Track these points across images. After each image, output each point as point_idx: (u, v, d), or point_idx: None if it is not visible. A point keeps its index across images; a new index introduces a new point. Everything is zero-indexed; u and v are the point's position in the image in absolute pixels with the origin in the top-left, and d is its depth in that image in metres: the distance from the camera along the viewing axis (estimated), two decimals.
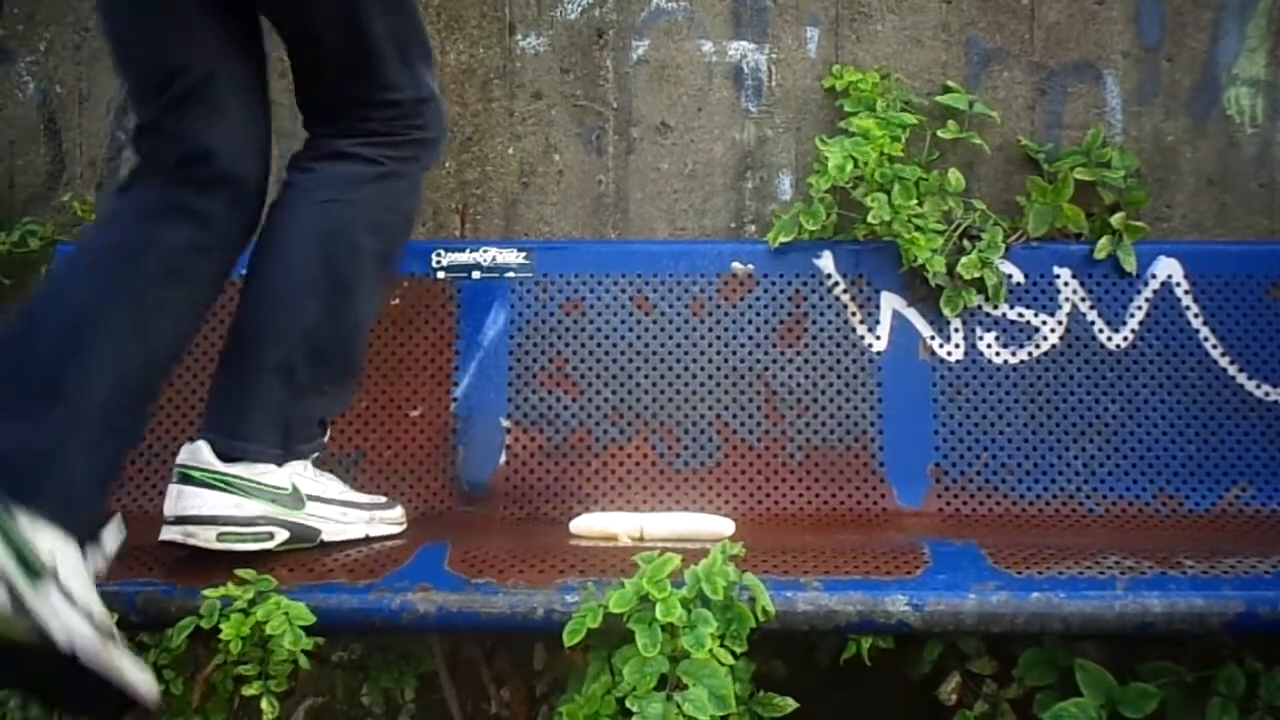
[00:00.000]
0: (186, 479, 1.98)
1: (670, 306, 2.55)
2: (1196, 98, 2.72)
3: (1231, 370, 2.49)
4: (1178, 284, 2.53)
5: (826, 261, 2.57)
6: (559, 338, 2.55)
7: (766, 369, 2.53)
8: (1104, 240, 2.54)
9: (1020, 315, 2.53)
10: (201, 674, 1.94)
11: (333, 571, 1.98)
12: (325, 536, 2.09)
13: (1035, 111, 2.73)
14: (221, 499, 1.98)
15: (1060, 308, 2.53)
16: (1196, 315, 2.52)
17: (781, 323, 2.54)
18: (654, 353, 2.53)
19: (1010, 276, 2.54)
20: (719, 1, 2.73)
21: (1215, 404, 2.49)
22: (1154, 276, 2.54)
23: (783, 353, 2.53)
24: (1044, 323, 2.53)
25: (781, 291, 2.56)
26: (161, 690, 1.95)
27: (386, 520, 2.21)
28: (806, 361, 2.53)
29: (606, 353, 2.54)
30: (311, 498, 2.07)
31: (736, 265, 2.56)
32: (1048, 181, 2.61)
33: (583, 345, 2.55)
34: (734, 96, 2.75)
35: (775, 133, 2.75)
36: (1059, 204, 2.59)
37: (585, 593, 1.88)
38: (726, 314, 2.55)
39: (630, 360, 2.53)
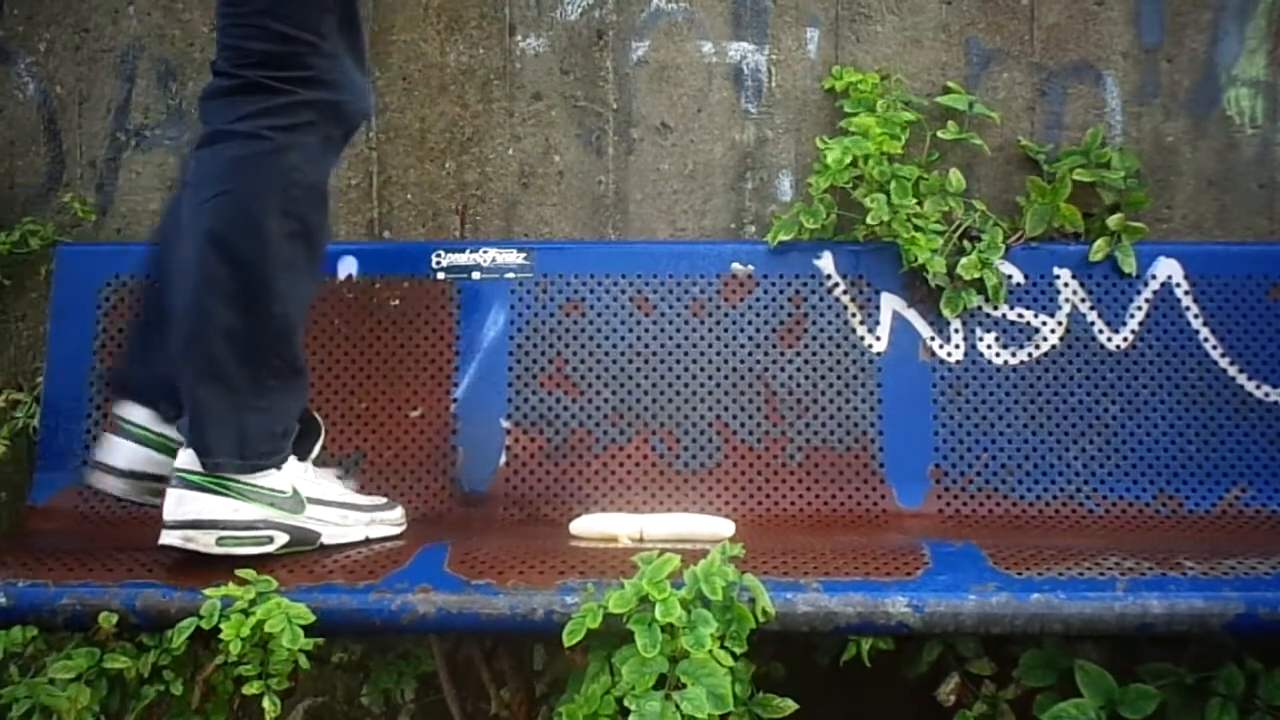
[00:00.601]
0: (185, 483, 1.98)
1: (670, 307, 2.55)
2: (1196, 98, 2.72)
3: (1231, 371, 2.50)
4: (1177, 284, 2.53)
5: (826, 262, 2.57)
6: (559, 338, 2.55)
7: (766, 370, 2.53)
8: (1103, 241, 2.54)
9: (1020, 316, 2.53)
10: (202, 675, 1.94)
11: (333, 573, 1.98)
12: (325, 539, 2.09)
13: (1035, 112, 2.73)
14: (220, 503, 1.98)
15: (1060, 308, 2.53)
16: (1196, 316, 2.52)
17: (781, 323, 2.54)
18: (654, 354, 2.53)
19: (1010, 277, 2.54)
20: (719, 2, 2.73)
21: (1215, 405, 2.49)
22: (1154, 277, 2.54)
23: (783, 353, 2.53)
24: (1044, 323, 2.53)
25: (781, 292, 2.56)
26: (161, 691, 1.95)
27: (386, 521, 2.21)
28: (806, 362, 2.53)
29: (606, 353, 2.54)
30: (312, 500, 2.07)
31: (736, 266, 2.56)
32: (1047, 182, 2.61)
33: (583, 346, 2.55)
34: (734, 97, 2.75)
35: (775, 133, 2.75)
36: (1056, 204, 2.59)
37: (585, 593, 1.88)
38: (726, 315, 2.55)
39: (630, 361, 2.53)
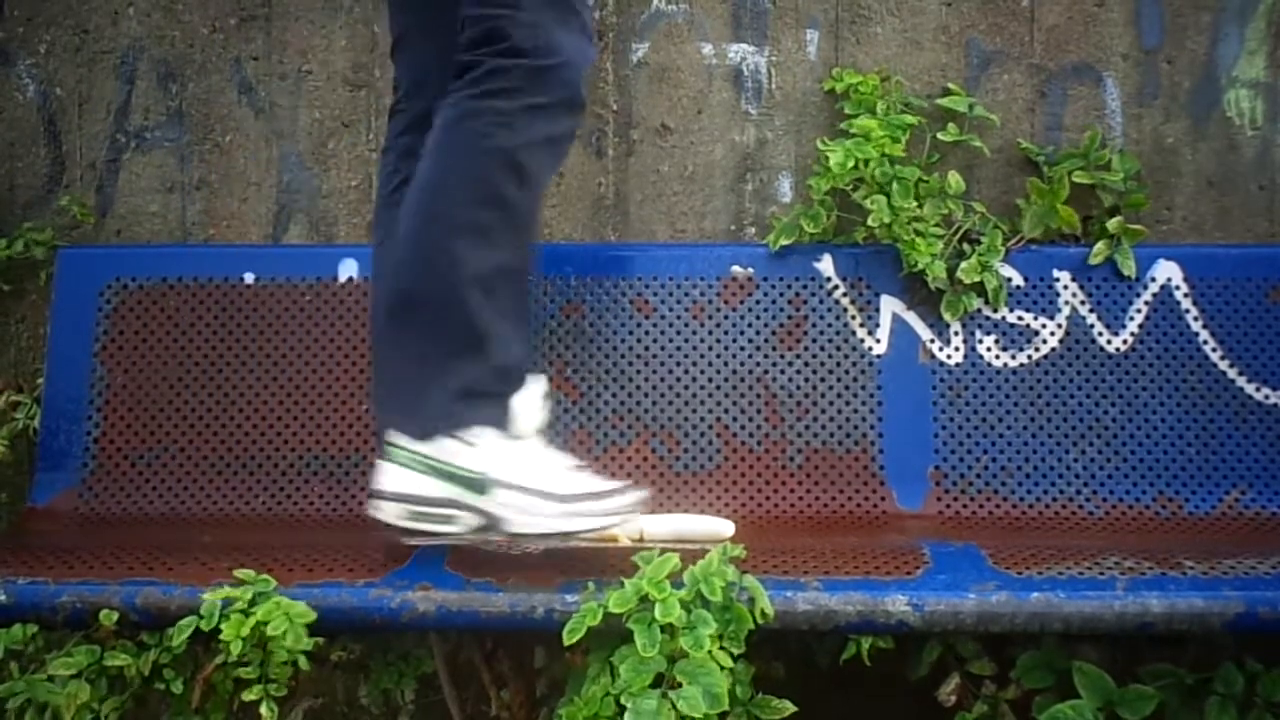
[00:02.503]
0: (389, 456, 2.00)
1: (670, 309, 2.55)
2: (1196, 100, 2.72)
3: (1231, 373, 2.50)
4: (1177, 287, 2.53)
5: (826, 265, 2.57)
6: (559, 340, 2.55)
7: (766, 372, 2.53)
8: (1103, 243, 2.54)
9: (1020, 318, 2.53)
10: (201, 674, 1.94)
11: (332, 571, 1.98)
12: (513, 527, 1.99)
13: (1035, 114, 2.73)
14: (412, 478, 1.98)
15: (1060, 311, 2.53)
16: (1196, 318, 2.52)
17: (781, 326, 2.55)
18: (654, 355, 2.53)
19: (1010, 279, 2.55)
20: (719, 4, 2.74)
21: (1215, 407, 2.49)
22: (1153, 279, 2.54)
23: (783, 356, 2.54)
24: (1044, 326, 2.53)
25: (781, 295, 2.56)
26: (161, 690, 1.95)
27: (599, 511, 2.02)
28: (806, 364, 2.53)
29: (606, 355, 2.54)
30: (502, 484, 1.98)
31: (736, 268, 2.57)
32: (1046, 184, 2.61)
33: (582, 348, 2.55)
34: (734, 99, 2.75)
35: (775, 135, 2.75)
36: (1054, 205, 2.59)
37: (585, 593, 1.88)
38: (726, 317, 2.55)
39: (630, 363, 2.53)
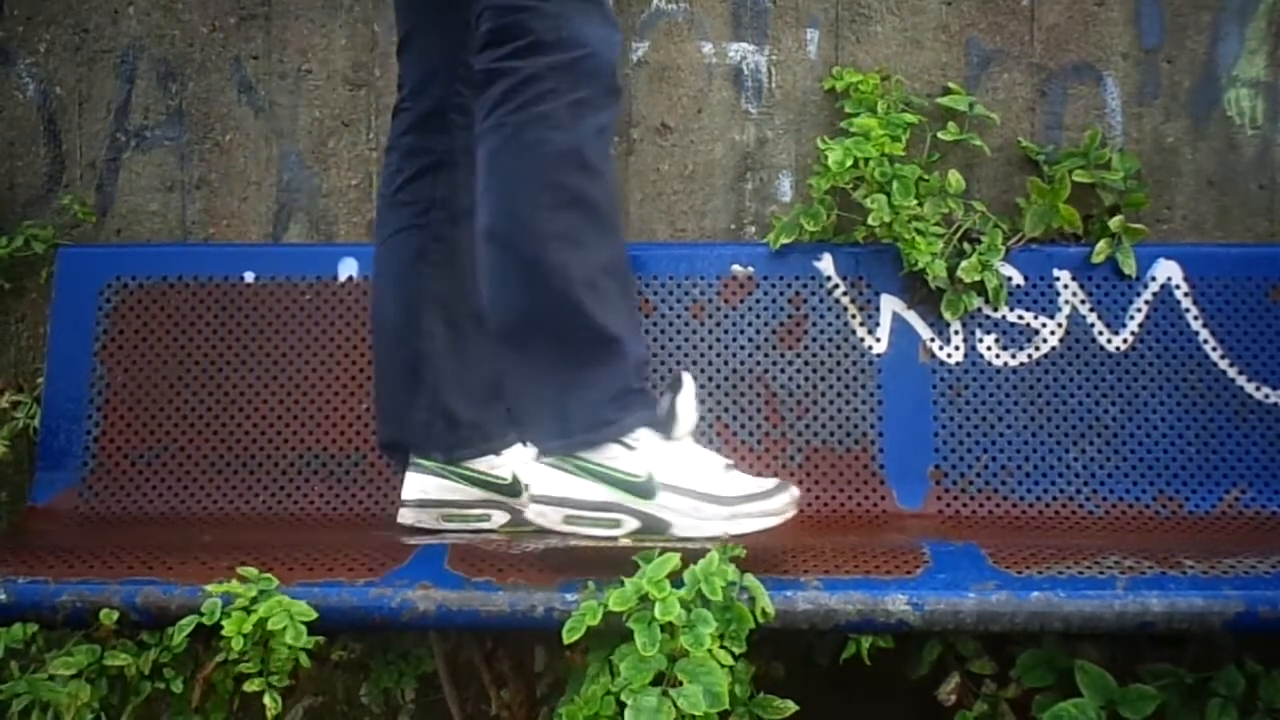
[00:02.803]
0: (542, 462, 2.01)
1: (670, 309, 2.55)
2: (1196, 99, 2.72)
3: (1231, 373, 2.50)
4: (1177, 286, 2.53)
5: (826, 264, 2.57)
6: None
7: (766, 371, 2.53)
8: (1103, 243, 2.54)
9: (1020, 317, 2.53)
10: (202, 673, 1.94)
11: (332, 570, 1.98)
12: (676, 530, 1.99)
13: (1035, 113, 2.73)
14: (570, 482, 1.98)
15: (1060, 310, 2.53)
16: (1196, 317, 2.52)
17: (781, 325, 2.55)
18: (654, 355, 2.53)
19: (1010, 279, 2.55)
20: (719, 3, 2.73)
21: (1215, 406, 2.49)
22: (1154, 279, 2.54)
23: (783, 355, 2.54)
24: (1044, 325, 2.53)
25: (781, 294, 2.56)
26: (161, 689, 1.95)
27: (759, 512, 2.02)
28: (806, 364, 2.53)
29: None
30: (666, 486, 1.98)
31: (736, 267, 2.57)
32: (1046, 183, 2.61)
33: None
34: (734, 98, 2.75)
35: (775, 134, 2.75)
36: (1055, 204, 2.59)
37: (585, 591, 1.88)
38: (726, 316, 2.55)
39: None
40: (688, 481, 1.98)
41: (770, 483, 2.04)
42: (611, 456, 1.97)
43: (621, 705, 1.78)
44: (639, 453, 1.98)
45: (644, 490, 1.97)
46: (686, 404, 2.02)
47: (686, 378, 2.04)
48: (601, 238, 1.99)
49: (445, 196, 2.23)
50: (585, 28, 1.98)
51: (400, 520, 2.26)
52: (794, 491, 2.04)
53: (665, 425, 2.01)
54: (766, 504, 2.00)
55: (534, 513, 2.00)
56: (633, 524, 1.98)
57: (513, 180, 1.97)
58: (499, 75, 1.98)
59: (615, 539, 1.98)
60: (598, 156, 2.00)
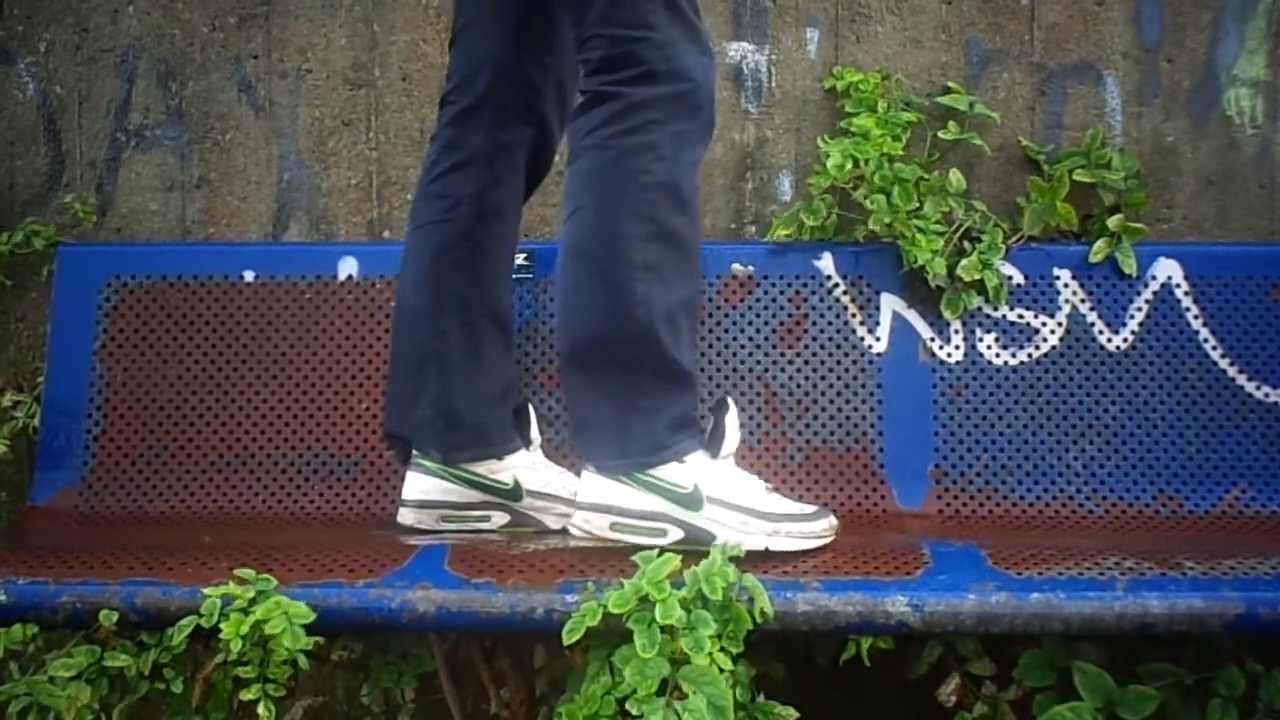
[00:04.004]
0: (591, 470, 2.06)
1: None
2: (1196, 98, 2.72)
3: (1231, 372, 2.49)
4: (1177, 285, 2.53)
5: (826, 263, 2.57)
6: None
7: (766, 370, 2.53)
8: (1103, 242, 2.54)
9: (1020, 317, 2.53)
10: (202, 673, 1.94)
11: (332, 571, 1.98)
12: (720, 543, 2.02)
13: (1035, 112, 2.73)
14: (619, 490, 2.02)
15: (1060, 309, 2.53)
16: (1196, 317, 2.52)
17: (781, 324, 2.54)
18: None
19: (1010, 278, 2.54)
20: (719, 2, 2.73)
21: (1215, 406, 2.49)
22: (1154, 278, 2.53)
23: (783, 354, 2.54)
24: (1044, 324, 2.53)
25: (781, 293, 2.56)
26: (161, 690, 1.95)
27: (799, 534, 2.07)
28: (806, 363, 2.53)
29: None
30: (713, 500, 2.03)
31: (736, 266, 2.56)
32: (1047, 182, 2.61)
33: None
34: (734, 97, 2.75)
35: (775, 133, 2.75)
36: (1053, 203, 2.59)
37: (585, 592, 1.88)
38: (726, 315, 2.55)
39: None
40: (734, 497, 2.04)
41: (810, 508, 2.10)
42: (663, 468, 2.02)
43: (622, 706, 1.78)
44: (688, 466, 2.03)
45: (691, 502, 2.02)
46: (731, 425, 2.08)
47: (729, 400, 2.10)
48: (684, 273, 2.05)
49: (475, 194, 2.25)
50: (690, 58, 2.04)
51: (400, 520, 2.26)
52: (833, 520, 2.09)
53: (712, 445, 2.07)
54: (807, 526, 2.06)
55: (580, 519, 2.05)
56: (677, 534, 2.02)
57: (609, 205, 2.02)
58: (607, 99, 2.03)
59: (657, 547, 1.99)
60: (690, 191, 2.06)
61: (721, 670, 1.78)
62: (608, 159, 2.02)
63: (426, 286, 2.26)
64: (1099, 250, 2.54)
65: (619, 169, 2.02)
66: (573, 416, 2.11)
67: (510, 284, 2.35)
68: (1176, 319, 2.52)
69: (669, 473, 2.02)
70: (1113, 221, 2.55)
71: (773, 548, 2.02)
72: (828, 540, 2.07)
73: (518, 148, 2.28)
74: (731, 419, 2.08)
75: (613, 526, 2.04)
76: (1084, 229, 2.62)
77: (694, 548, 1.99)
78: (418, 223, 2.28)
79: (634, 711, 1.76)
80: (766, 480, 2.13)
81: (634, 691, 1.76)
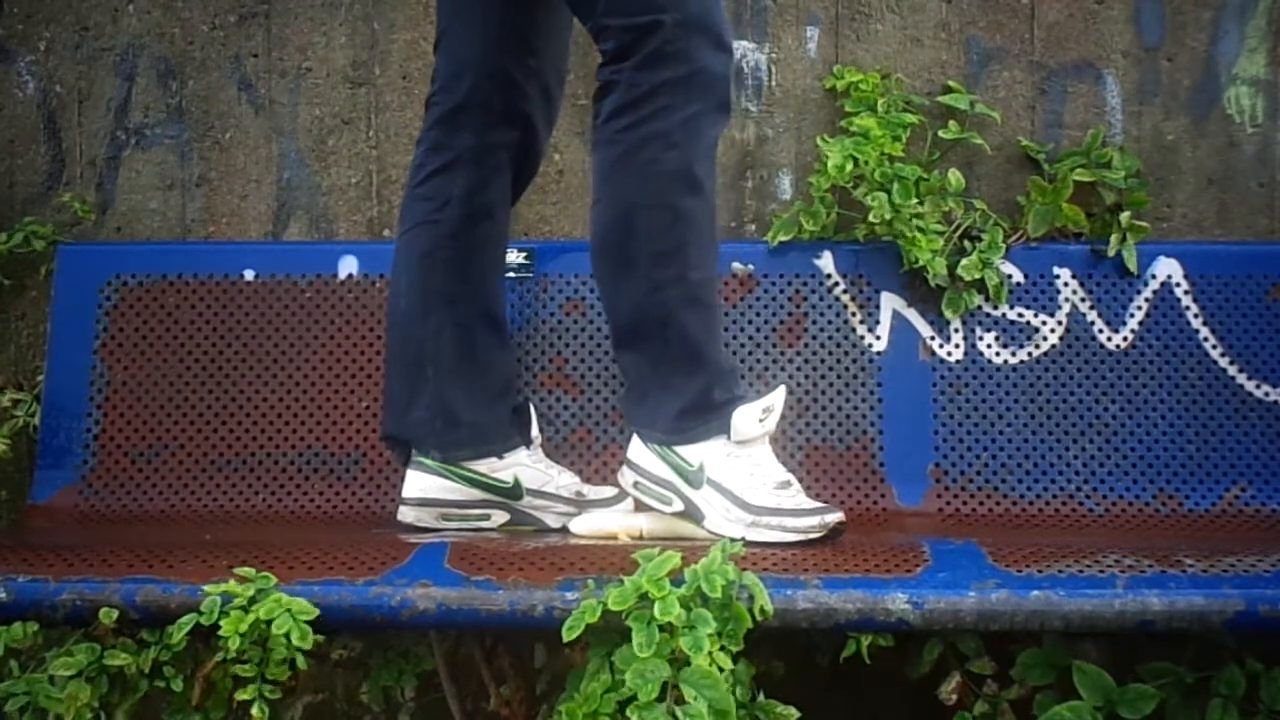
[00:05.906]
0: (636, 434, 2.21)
1: None
2: (1196, 97, 2.72)
3: (1231, 370, 2.50)
4: (1177, 284, 2.53)
5: (826, 262, 2.57)
6: (559, 338, 2.55)
7: (767, 369, 2.53)
8: (1116, 236, 2.54)
9: (1020, 315, 2.53)
10: (202, 671, 1.94)
11: (332, 569, 1.97)
12: (708, 524, 2.13)
13: (1035, 111, 2.73)
14: (646, 456, 2.17)
15: (1060, 308, 2.53)
16: (1196, 315, 2.52)
17: (781, 323, 2.54)
18: None
19: (1010, 276, 2.54)
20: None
21: (1215, 404, 2.49)
22: (1154, 276, 2.54)
23: (783, 353, 2.53)
24: (1044, 323, 2.53)
25: (781, 292, 2.56)
26: (161, 688, 1.95)
27: (777, 526, 2.08)
28: (806, 362, 2.53)
29: (606, 352, 2.54)
30: (711, 482, 2.12)
31: (737, 265, 2.56)
32: (1048, 181, 2.61)
33: (583, 345, 2.55)
34: (734, 96, 2.74)
35: (775, 132, 2.75)
36: (1059, 204, 2.59)
37: (585, 590, 1.88)
38: (727, 314, 2.55)
39: None
40: (728, 482, 2.10)
41: (810, 504, 2.11)
42: (680, 446, 2.13)
43: (622, 707, 1.78)
44: (699, 446, 2.11)
45: (693, 479, 2.12)
46: (743, 415, 2.12)
47: (780, 390, 2.17)
48: (702, 255, 2.10)
49: (463, 195, 2.27)
50: (697, 40, 2.04)
51: (400, 518, 2.27)
52: (828, 518, 2.09)
53: (733, 429, 2.12)
54: (789, 520, 2.08)
55: (622, 470, 2.22)
56: (679, 505, 2.15)
57: (626, 197, 2.08)
58: (615, 86, 2.07)
59: (665, 514, 2.17)
60: (705, 173, 2.09)
61: (721, 670, 1.78)
62: (618, 153, 2.07)
63: (418, 288, 2.27)
64: (1099, 249, 2.54)
65: (629, 163, 2.06)
66: (625, 382, 2.22)
67: (503, 283, 2.36)
68: (1176, 318, 2.52)
69: (683, 448, 2.11)
70: (1124, 217, 2.55)
71: (750, 537, 2.06)
72: (813, 536, 2.07)
73: (503, 148, 2.30)
74: (747, 409, 2.11)
75: (635, 485, 2.19)
76: (1089, 228, 2.62)
77: (689, 520, 2.12)
78: (407, 225, 2.30)
79: (634, 718, 1.75)
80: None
81: (634, 697, 1.76)
